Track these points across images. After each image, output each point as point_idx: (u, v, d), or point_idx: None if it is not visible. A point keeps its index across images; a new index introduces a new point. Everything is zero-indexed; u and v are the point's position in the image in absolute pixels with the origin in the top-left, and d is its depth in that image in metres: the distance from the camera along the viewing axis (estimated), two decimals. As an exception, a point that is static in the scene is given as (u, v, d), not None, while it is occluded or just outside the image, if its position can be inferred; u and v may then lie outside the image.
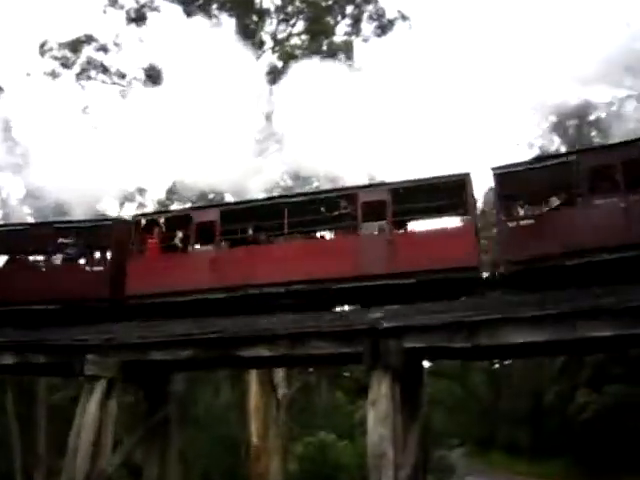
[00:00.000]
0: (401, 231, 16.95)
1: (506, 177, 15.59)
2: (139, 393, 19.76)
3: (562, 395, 41.86)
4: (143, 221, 18.78)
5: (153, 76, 32.05)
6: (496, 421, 52.07)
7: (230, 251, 17.78)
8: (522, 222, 15.66)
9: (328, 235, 18.05)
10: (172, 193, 32.84)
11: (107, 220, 21.82)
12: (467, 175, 15.89)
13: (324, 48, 33.88)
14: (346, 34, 35.79)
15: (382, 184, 17.52)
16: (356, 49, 34.60)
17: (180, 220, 18.52)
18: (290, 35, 36.26)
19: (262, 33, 35.42)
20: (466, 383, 53.14)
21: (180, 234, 18.27)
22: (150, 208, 33.62)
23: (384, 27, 34.92)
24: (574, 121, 38.57)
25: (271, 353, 15.10)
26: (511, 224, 15.46)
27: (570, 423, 39.77)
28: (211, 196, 28.44)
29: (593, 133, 37.96)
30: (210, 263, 17.17)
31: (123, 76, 36.07)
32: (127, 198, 34.89)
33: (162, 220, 18.84)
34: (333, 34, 35.50)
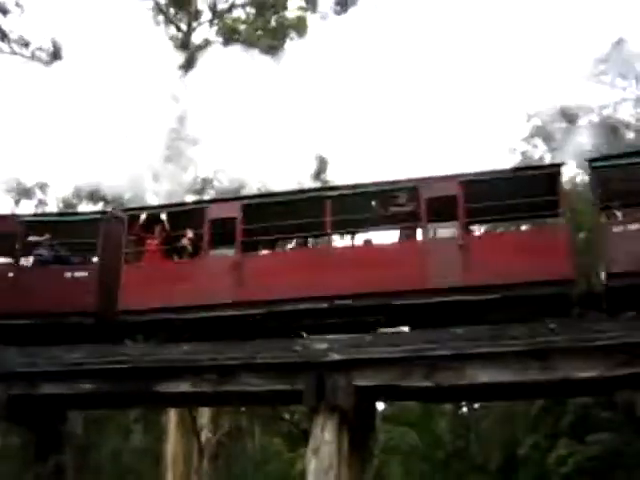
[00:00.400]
0: (476, 234, 16.87)
1: (610, 171, 15.15)
2: (27, 435, 18.99)
3: (539, 444, 41.62)
4: (142, 216, 17.85)
5: (57, 50, 31.76)
6: (463, 473, 51.76)
7: (255, 256, 17.34)
8: (630, 226, 14.87)
9: (378, 238, 17.73)
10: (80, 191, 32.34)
11: (93, 214, 20.81)
12: (560, 166, 15.53)
13: (272, 24, 33.91)
14: (300, 9, 35.92)
15: (452, 176, 16.57)
16: (311, 27, 34.34)
17: (189, 216, 17.78)
18: (232, 6, 36.43)
19: (198, 1, 35.29)
20: (428, 429, 53.21)
21: (189, 234, 17.61)
22: (53, 207, 33.10)
23: (345, 3, 35.04)
24: (562, 124, 39.44)
25: (194, 389, 15.00)
26: (616, 228, 14.76)
27: (548, 477, 39.81)
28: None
29: (583, 137, 38.84)
30: (229, 271, 16.51)
31: (26, 44, 35.50)
32: (23, 194, 34.39)
33: (165, 216, 17.98)
34: (284, 8, 35.64)
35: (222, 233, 16.79)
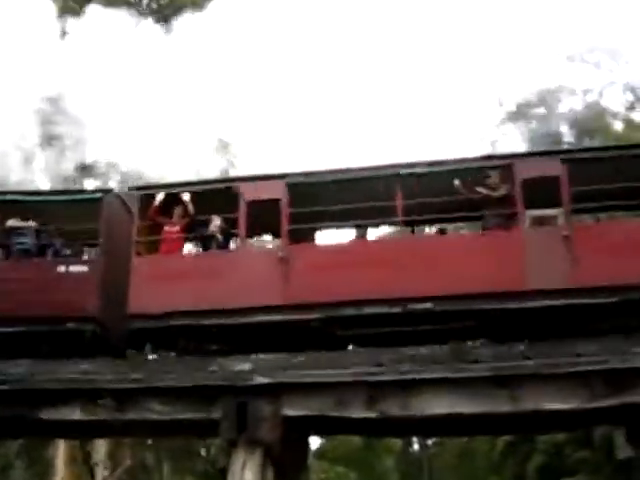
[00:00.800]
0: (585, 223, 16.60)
1: None
2: None
3: None
4: (159, 196, 16.93)
5: None
6: (411, 520, 52.72)
7: (307, 248, 16.69)
8: None
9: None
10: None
11: (94, 193, 19.24)
12: None
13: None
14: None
15: (554, 152, 16.57)
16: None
17: (219, 197, 16.82)
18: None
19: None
20: (371, 468, 52.59)
21: (217, 220, 16.83)
22: None
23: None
24: (539, 110, 39.95)
25: (87, 417, 14.78)
26: None
27: (514, 528, 41.25)
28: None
29: (564, 126, 39.42)
30: (273, 266, 15.85)
31: None
32: None
33: (187, 196, 16.92)
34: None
35: (260, 219, 16.23)
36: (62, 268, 16.67)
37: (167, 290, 15.79)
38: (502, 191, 15.38)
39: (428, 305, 14.74)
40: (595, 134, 34.76)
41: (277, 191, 16.20)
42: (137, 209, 16.81)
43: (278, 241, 16.59)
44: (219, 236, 16.65)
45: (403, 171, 15.97)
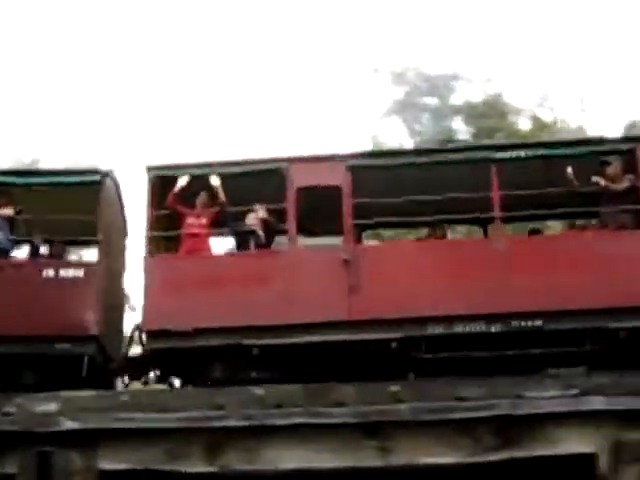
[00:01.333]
0: None
1: None
2: None
3: None
4: (182, 180, 14.50)
5: None
6: None
7: (378, 249, 15.75)
8: None
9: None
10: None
11: (89, 174, 15.95)
12: None
13: None
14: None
15: None
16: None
17: (259, 181, 14.75)
18: None
19: None
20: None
21: (261, 211, 14.48)
22: None
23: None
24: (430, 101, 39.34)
25: None
26: None
27: None
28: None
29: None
30: (336, 272, 13.78)
31: None
32: None
33: (216, 180, 14.54)
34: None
35: (318, 210, 14.33)
36: (50, 272, 14.27)
37: (194, 300, 13.68)
38: (626, 183, 13.77)
39: (537, 322, 13.18)
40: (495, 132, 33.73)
41: (335, 175, 14.26)
42: (149, 195, 14.65)
43: (337, 239, 14.42)
44: (260, 232, 14.39)
45: (500, 155, 14.26)
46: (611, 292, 13.12)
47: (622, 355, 13.47)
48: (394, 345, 13.31)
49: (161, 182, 14.55)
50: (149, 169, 14.89)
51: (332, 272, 13.70)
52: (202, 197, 14.59)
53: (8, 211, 14.81)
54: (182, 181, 14.37)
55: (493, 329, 13.23)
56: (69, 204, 14.43)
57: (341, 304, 13.53)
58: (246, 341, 13.43)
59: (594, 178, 13.99)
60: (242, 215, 14.67)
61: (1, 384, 13.49)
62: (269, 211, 14.56)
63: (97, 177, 14.92)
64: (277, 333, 13.43)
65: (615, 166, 14.06)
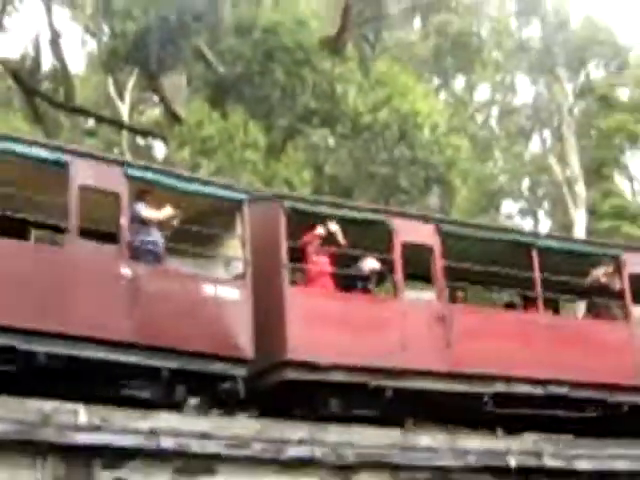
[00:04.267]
0: None
1: None
2: None
3: None
4: (322, 230, 17.10)
5: None
6: None
7: (467, 309, 18.85)
8: None
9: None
10: None
11: (232, 190, 17.96)
12: None
13: None
14: None
15: None
16: None
17: (367, 231, 17.93)
18: None
19: None
20: None
21: (374, 263, 17.67)
22: None
23: None
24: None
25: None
26: None
27: None
28: None
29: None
30: (433, 325, 17.11)
31: None
32: None
33: (335, 226, 17.11)
34: None
35: (413, 264, 17.38)
36: (211, 289, 15.76)
37: (331, 335, 16.12)
38: (618, 283, 18.71)
39: (564, 390, 17.42)
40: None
41: (428, 235, 17.63)
42: (285, 226, 16.71)
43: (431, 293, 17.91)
44: (373, 279, 17.87)
45: (542, 242, 18.62)
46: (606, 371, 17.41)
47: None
48: (485, 401, 17.09)
49: (295, 214, 16.87)
50: (283, 198, 17.58)
51: (429, 325, 16.97)
52: (318, 234, 17.09)
53: (170, 213, 16.10)
54: (321, 230, 17.00)
55: (537, 392, 17.28)
56: (212, 217, 17.04)
57: (439, 356, 16.84)
58: (374, 382, 16.21)
59: (596, 273, 18.75)
60: (358, 260, 17.96)
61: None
62: (383, 261, 17.60)
63: (242, 195, 17.13)
64: (394, 376, 16.41)
65: (610, 266, 18.87)
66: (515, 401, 17.16)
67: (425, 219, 18.61)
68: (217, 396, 15.93)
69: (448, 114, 36.39)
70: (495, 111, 47.10)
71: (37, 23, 37.89)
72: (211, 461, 14.74)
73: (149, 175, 16.40)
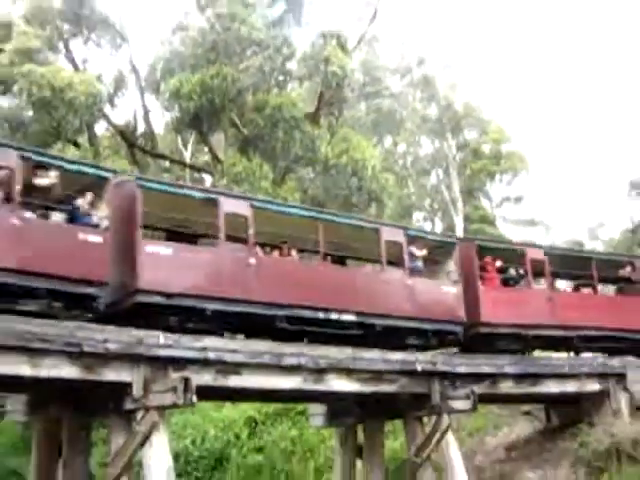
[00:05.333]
0: None
1: None
2: None
3: None
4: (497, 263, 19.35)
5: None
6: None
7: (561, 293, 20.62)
8: None
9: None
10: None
11: (448, 236, 23.02)
12: None
13: None
14: None
15: None
16: None
17: (509, 255, 19.74)
18: None
19: None
20: None
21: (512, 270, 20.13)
22: None
23: None
24: None
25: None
26: None
27: None
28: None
29: None
30: (546, 301, 19.13)
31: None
32: None
33: (499, 262, 19.32)
34: None
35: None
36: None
37: (500, 309, 18.09)
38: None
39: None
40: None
41: (542, 256, 19.59)
42: (476, 254, 18.63)
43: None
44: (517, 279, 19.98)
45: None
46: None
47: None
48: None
49: (481, 250, 18.89)
50: (477, 240, 20.54)
51: (545, 301, 19.17)
52: (489, 261, 19.07)
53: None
54: (499, 263, 19.08)
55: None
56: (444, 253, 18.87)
57: (549, 316, 19.17)
58: (524, 332, 18.58)
59: None
60: (505, 270, 19.85)
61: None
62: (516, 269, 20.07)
63: (454, 240, 19.67)
64: (536, 328, 18.79)
65: None
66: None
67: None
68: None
69: (381, 159, 36.65)
70: (409, 158, 47.30)
71: (135, 102, 37.45)
72: (238, 367, 14.83)
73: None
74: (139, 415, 13.57)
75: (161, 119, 37.41)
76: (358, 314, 16.58)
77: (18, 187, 13.38)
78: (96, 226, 14.65)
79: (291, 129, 32.99)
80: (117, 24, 36.78)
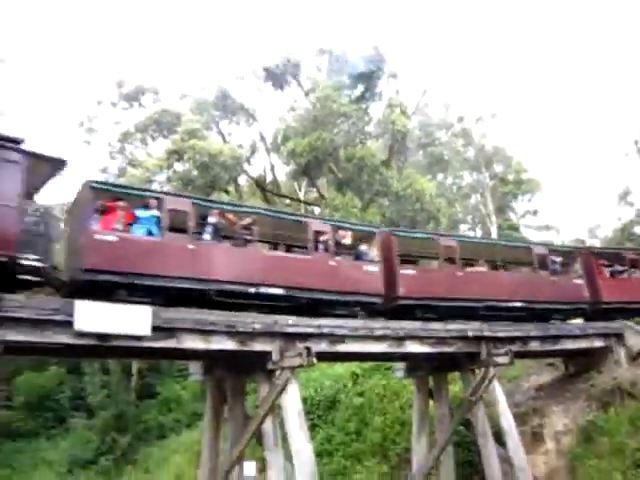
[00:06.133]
0: None
1: None
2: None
3: None
4: None
5: None
6: None
7: None
8: None
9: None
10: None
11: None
12: None
13: None
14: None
15: None
16: None
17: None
18: None
19: None
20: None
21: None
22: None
23: None
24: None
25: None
26: None
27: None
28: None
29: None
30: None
31: None
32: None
33: None
34: None
35: None
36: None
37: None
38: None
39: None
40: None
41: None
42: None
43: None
44: None
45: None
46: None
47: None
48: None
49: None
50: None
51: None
52: None
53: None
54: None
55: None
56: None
57: None
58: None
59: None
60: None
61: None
62: None
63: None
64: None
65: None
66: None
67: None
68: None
69: (435, 189, 36.25)
70: (455, 187, 46.56)
71: (264, 160, 38.08)
72: (343, 337, 14.73)
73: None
74: (277, 373, 13.76)
75: (282, 171, 37.99)
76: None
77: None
78: (372, 261, 15.92)
79: (372, 172, 32.89)
80: (250, 109, 37.53)
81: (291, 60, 34.10)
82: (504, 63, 60.10)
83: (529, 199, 44.68)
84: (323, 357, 14.82)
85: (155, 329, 11.90)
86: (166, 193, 16.28)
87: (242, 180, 38.67)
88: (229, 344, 13.20)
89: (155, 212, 13.18)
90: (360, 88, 35.33)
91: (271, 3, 51.76)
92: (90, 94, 48.69)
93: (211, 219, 14.07)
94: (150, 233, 13.02)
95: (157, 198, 13.52)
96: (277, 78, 34.89)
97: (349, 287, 15.16)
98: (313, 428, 19.83)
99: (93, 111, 37.50)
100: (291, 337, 13.83)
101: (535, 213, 46.03)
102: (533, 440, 18.66)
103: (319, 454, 16.73)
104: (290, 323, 13.82)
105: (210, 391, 16.33)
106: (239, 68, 35.40)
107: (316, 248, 15.23)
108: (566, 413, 18.84)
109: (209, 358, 15.38)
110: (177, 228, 13.29)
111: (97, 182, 13.21)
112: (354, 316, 15.29)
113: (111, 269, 12.04)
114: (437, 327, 16.23)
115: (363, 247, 16.25)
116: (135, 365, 29.73)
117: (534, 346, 17.99)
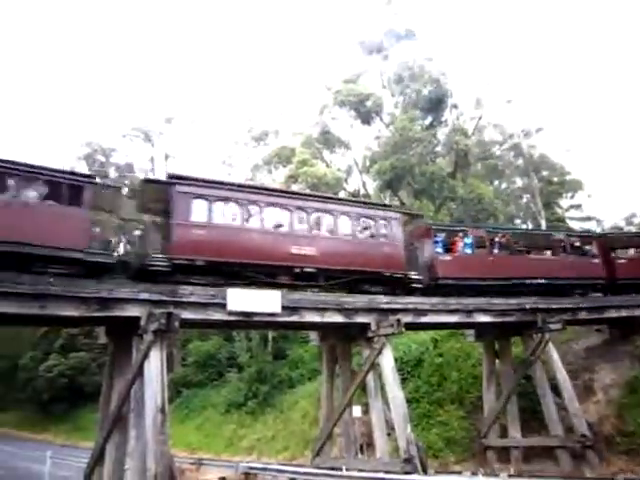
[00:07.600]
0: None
1: None
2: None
3: (35, 357, 35.51)
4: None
5: None
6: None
7: None
8: None
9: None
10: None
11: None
12: None
13: None
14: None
15: None
16: None
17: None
18: None
19: None
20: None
21: None
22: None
23: None
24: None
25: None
26: None
27: (37, 379, 34.13)
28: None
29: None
30: None
31: None
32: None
33: None
34: None
35: None
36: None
37: None
38: None
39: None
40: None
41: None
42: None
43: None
44: None
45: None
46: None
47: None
48: None
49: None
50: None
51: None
52: None
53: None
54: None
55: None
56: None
57: None
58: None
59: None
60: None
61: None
62: None
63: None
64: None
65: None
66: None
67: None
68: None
69: (493, 193, 34.61)
70: (509, 190, 44.11)
71: (357, 179, 38.10)
72: (425, 311, 14.47)
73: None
74: (375, 339, 13.67)
75: (371, 186, 37.72)
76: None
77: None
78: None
79: (441, 182, 31.85)
80: (345, 141, 37.57)
81: (375, 101, 33.54)
82: (547, 83, 55.82)
83: (572, 196, 41.47)
84: (410, 327, 14.68)
85: (284, 308, 12.22)
86: (468, 226, 18.33)
87: (342, 195, 38.79)
88: (338, 318, 13.28)
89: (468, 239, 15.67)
90: (429, 118, 34.34)
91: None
92: (226, 139, 50.95)
93: (496, 239, 16.33)
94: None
95: (464, 231, 16.03)
96: (365, 116, 34.45)
97: (576, 275, 16.78)
98: (404, 381, 19.53)
99: (231, 151, 39.13)
100: (385, 312, 13.75)
101: (577, 207, 42.67)
102: (585, 392, 17.40)
103: (409, 401, 16.43)
104: (384, 301, 13.70)
105: (325, 354, 16.44)
106: (335, 111, 35.28)
107: (564, 250, 17.07)
108: (613, 370, 17.50)
109: (324, 328, 15.49)
110: (479, 246, 15.92)
111: (435, 224, 16.96)
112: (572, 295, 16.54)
113: (451, 275, 14.97)
114: (499, 302, 15.49)
115: (587, 247, 17.66)
116: (270, 334, 30.63)
117: (583, 315, 16.84)
